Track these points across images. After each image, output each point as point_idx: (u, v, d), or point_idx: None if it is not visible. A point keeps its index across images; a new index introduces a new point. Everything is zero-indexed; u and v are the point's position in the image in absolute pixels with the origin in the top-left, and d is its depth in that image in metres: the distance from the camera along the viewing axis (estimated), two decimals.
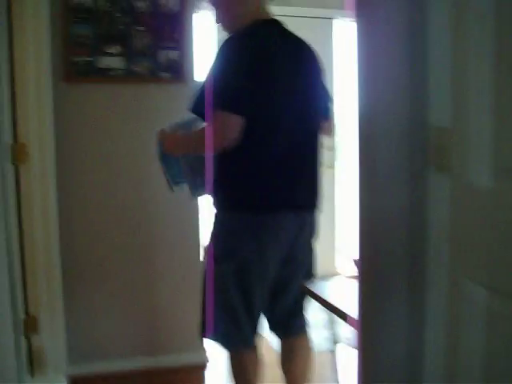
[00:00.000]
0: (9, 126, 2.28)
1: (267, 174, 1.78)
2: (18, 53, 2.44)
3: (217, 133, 1.67)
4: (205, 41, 3.59)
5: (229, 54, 1.72)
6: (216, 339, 1.89)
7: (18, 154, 2.41)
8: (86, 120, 2.69)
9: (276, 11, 1.93)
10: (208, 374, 2.82)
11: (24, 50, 2.46)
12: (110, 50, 2.66)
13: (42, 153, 2.53)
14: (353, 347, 1.66)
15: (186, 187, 2.00)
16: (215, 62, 1.74)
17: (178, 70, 2.73)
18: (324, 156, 2.04)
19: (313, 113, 1.91)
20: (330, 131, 2.08)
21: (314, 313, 2.18)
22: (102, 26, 2.65)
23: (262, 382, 2.03)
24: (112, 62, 2.66)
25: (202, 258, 2.55)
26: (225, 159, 1.77)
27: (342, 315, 1.75)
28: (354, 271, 1.40)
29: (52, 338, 2.58)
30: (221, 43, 1.77)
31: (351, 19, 1.31)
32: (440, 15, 1.17)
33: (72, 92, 2.65)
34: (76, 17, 2.63)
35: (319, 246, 2.06)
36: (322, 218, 2.04)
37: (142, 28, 2.68)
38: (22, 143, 2.45)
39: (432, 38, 1.20)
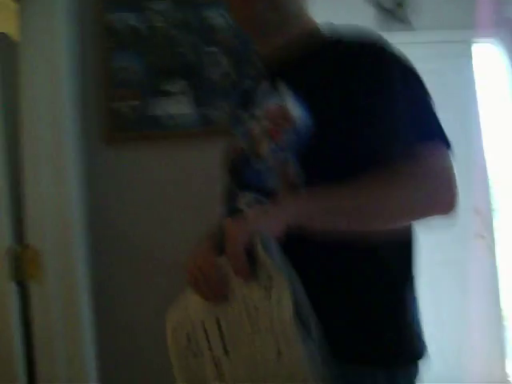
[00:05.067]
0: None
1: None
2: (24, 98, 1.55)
3: (440, 181, 0.94)
4: None
5: (407, 66, 1.05)
6: None
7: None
8: (128, 199, 1.72)
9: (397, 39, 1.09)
10: None
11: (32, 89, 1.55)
12: (169, 88, 1.70)
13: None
14: None
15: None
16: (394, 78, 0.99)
17: None
18: None
19: None
20: None
21: None
22: (156, 53, 1.71)
23: None
24: (173, 106, 1.70)
25: None
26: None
27: None
28: None
29: None
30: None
31: None
32: None
33: (111, 156, 1.70)
34: (118, 43, 1.72)
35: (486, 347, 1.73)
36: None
37: (215, 49, 1.71)
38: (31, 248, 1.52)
39: None
